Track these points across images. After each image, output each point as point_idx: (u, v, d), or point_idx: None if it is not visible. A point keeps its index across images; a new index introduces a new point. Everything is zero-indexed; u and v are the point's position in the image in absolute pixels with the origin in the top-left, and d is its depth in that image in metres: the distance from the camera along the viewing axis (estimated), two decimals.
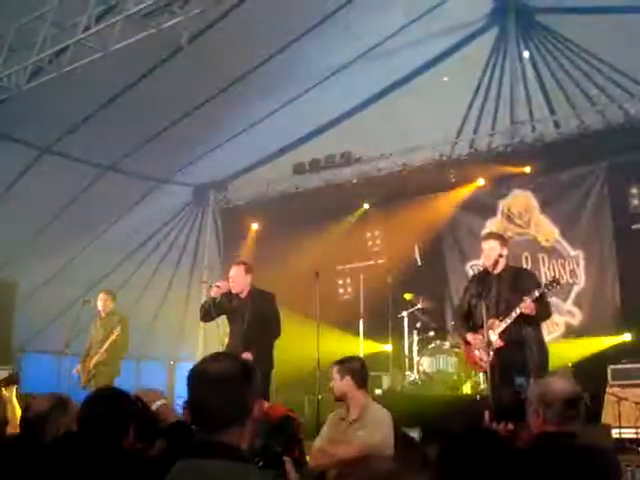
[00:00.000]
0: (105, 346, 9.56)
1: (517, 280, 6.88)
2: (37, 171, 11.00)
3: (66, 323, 11.87)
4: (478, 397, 8.73)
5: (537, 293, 6.54)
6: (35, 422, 3.70)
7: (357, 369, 5.64)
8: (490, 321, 6.72)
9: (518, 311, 6.55)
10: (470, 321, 7.03)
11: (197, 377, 2.46)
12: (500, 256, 6.94)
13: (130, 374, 13.13)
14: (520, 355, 6.59)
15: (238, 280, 8.10)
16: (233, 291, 8.10)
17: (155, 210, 12.96)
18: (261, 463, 2.54)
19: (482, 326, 6.75)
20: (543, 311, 6.73)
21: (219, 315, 8.38)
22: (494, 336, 6.70)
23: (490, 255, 6.97)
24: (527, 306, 6.51)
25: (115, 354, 9.69)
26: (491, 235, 7.41)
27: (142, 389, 4.16)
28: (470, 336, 6.92)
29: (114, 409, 3.18)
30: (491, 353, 6.68)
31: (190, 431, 3.85)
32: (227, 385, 2.38)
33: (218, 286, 8.16)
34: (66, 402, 3.51)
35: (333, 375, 5.59)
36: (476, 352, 6.88)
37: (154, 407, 3.83)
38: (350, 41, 10.27)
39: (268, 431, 2.71)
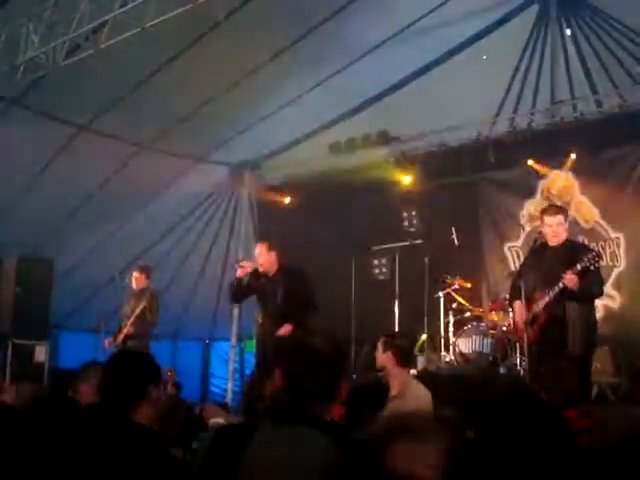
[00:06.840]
0: (131, 319, 9.46)
1: (572, 254, 6.67)
2: (74, 149, 11.03)
3: (102, 301, 12.02)
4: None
5: (579, 267, 6.37)
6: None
7: (401, 346, 5.61)
8: (538, 294, 6.62)
9: (561, 285, 6.42)
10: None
11: (297, 350, 2.61)
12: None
13: (166, 353, 13.24)
14: (560, 331, 6.48)
15: (262, 258, 8.07)
16: (261, 269, 8.08)
17: (191, 189, 12.96)
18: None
19: (529, 298, 6.68)
20: (589, 287, 6.53)
21: (248, 295, 8.36)
22: (538, 309, 6.60)
23: (558, 231, 6.78)
24: (569, 279, 6.35)
25: (142, 328, 9.52)
26: (559, 210, 7.07)
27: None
28: (517, 305, 6.81)
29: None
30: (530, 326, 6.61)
31: None
32: (323, 362, 2.50)
33: (242, 266, 8.14)
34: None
35: (378, 345, 5.63)
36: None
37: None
38: (389, 18, 10.14)
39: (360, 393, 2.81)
